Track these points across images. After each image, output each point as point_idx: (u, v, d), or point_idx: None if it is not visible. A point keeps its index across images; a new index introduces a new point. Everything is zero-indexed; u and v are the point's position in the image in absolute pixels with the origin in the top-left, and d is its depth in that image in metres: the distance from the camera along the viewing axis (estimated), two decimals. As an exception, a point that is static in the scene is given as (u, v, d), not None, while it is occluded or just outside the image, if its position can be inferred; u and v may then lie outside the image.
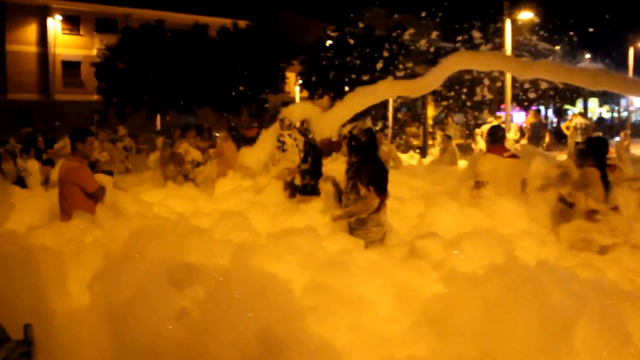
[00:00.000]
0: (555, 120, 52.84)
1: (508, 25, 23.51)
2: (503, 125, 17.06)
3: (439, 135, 28.20)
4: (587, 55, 41.05)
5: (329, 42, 43.13)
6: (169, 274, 4.51)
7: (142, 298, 4.27)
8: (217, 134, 16.84)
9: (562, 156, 13.60)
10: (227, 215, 6.63)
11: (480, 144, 21.89)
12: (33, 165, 10.83)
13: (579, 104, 53.08)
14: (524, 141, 21.59)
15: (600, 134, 24.18)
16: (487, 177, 8.06)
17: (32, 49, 48.72)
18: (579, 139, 19.35)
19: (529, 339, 3.82)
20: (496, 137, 8.43)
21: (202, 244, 5.00)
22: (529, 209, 7.86)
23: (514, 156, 8.35)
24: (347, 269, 4.91)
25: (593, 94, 47.66)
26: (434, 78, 11.15)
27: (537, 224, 7.59)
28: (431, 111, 44.87)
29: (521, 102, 38.81)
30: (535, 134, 22.45)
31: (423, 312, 4.42)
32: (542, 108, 44.48)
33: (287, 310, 4.10)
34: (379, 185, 6.56)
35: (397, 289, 4.86)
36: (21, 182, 10.37)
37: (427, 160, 19.52)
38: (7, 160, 10.39)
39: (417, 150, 25.01)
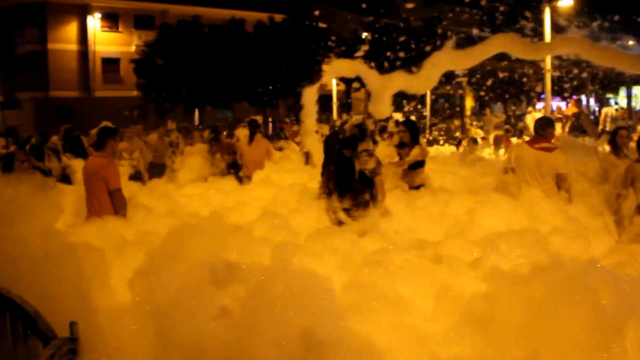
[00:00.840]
0: (597, 109, 51.86)
1: (547, 14, 23.13)
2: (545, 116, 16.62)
3: (472, 130, 27.96)
4: (630, 42, 40.15)
5: (365, 34, 42.89)
6: (210, 272, 4.51)
7: (184, 296, 4.28)
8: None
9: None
10: (267, 214, 6.64)
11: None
12: (77, 162, 10.96)
13: (622, 92, 51.87)
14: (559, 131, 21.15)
15: (631, 123, 23.81)
16: (513, 165, 8.26)
17: (73, 46, 49.43)
18: (609, 128, 18.99)
19: (577, 339, 3.71)
20: (536, 128, 8.50)
21: (242, 242, 5.00)
22: (566, 205, 7.72)
23: (548, 149, 8.15)
24: (386, 268, 4.90)
25: (637, 82, 46.50)
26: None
27: (574, 221, 7.39)
28: (469, 102, 44.48)
29: (562, 91, 38.16)
30: (577, 124, 22.04)
31: (465, 311, 4.37)
32: (582, 97, 43.67)
33: (329, 310, 4.07)
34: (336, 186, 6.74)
35: (437, 288, 4.84)
36: (66, 179, 10.49)
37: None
38: (52, 158, 10.51)
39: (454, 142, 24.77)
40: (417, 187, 9.13)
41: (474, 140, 18.38)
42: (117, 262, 5.37)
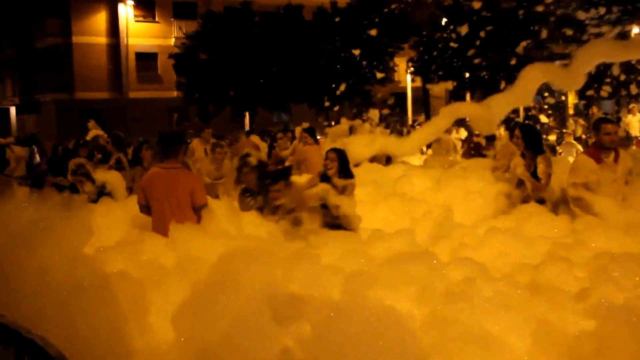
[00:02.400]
0: None
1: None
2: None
3: (578, 126, 27.52)
4: None
5: (444, 20, 42.62)
6: (269, 307, 4.51)
7: (238, 335, 4.29)
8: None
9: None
10: (336, 236, 6.64)
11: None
12: (114, 176, 11.11)
13: None
14: None
15: None
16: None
17: (102, 40, 50.54)
18: None
19: None
20: None
21: (308, 271, 4.99)
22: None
23: None
24: (472, 301, 4.87)
25: None
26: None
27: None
28: (572, 99, 43.60)
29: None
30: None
31: (568, 353, 4.35)
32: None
33: (406, 351, 4.05)
34: None
35: (534, 324, 4.78)
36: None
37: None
38: (85, 183, 10.71)
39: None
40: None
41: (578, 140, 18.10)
42: (157, 294, 5.41)
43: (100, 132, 13.22)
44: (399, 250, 6.36)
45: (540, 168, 8.96)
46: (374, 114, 17.27)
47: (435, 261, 5.72)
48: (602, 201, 8.09)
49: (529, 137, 9.27)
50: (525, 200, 9.13)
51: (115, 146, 13.52)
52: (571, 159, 11.43)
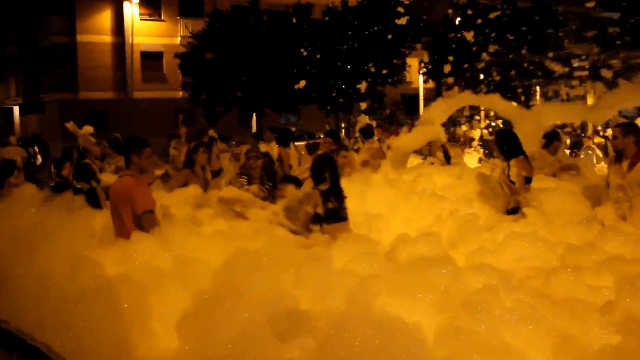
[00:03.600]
0: None
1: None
2: None
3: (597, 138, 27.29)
4: None
5: (458, 20, 42.50)
6: (273, 317, 4.47)
7: (242, 346, 4.29)
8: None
9: None
10: (351, 238, 6.55)
11: None
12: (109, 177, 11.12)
13: None
14: None
15: None
16: None
17: (106, 38, 50.57)
18: None
19: None
20: None
21: (316, 277, 4.92)
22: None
23: None
24: (492, 311, 4.77)
25: None
26: None
27: None
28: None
29: None
30: None
31: None
32: None
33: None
34: None
35: (555, 337, 4.71)
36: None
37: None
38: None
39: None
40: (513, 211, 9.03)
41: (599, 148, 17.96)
42: (158, 299, 5.37)
43: (84, 131, 13.01)
44: (423, 254, 6.26)
45: (513, 171, 8.97)
46: (364, 119, 16.96)
47: (452, 267, 5.62)
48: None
49: (501, 142, 9.36)
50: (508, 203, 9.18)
51: (113, 148, 13.45)
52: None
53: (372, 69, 38.43)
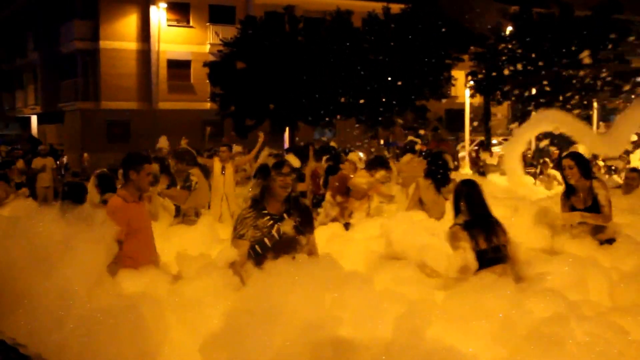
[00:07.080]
0: None
1: None
2: None
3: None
4: None
5: (509, 30, 42.32)
6: (311, 346, 4.39)
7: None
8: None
9: None
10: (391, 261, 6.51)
11: None
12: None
13: None
14: None
15: None
16: None
17: (131, 45, 50.99)
18: None
19: None
20: None
21: (358, 301, 4.81)
22: None
23: None
24: (562, 346, 4.61)
25: None
26: None
27: None
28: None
29: None
30: None
31: None
32: None
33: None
34: None
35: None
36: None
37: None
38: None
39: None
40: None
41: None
42: (186, 318, 5.34)
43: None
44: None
45: (602, 194, 8.99)
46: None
47: (510, 292, 5.44)
48: None
49: (581, 163, 9.28)
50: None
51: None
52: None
53: (416, 82, 38.40)
